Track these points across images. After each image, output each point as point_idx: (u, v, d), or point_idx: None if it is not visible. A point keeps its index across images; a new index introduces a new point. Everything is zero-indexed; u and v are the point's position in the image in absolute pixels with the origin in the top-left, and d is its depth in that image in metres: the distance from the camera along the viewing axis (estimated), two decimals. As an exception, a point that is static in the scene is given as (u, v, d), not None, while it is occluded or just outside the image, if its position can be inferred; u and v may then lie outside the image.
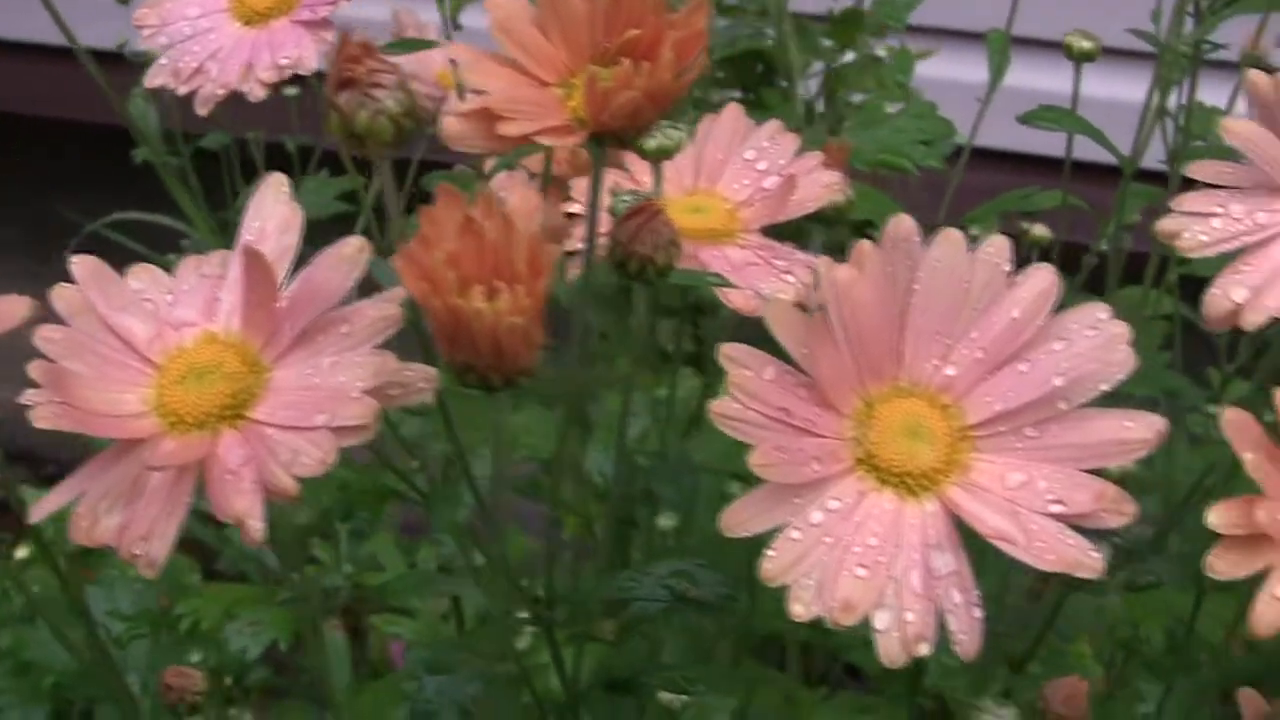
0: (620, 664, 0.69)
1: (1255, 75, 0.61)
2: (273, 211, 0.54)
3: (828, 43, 1.25)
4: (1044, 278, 0.51)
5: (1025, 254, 1.12)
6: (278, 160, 0.94)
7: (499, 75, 0.57)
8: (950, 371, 0.52)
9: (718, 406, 0.50)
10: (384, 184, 0.57)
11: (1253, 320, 0.60)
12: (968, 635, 0.49)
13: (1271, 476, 0.53)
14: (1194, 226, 0.61)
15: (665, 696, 0.70)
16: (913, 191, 1.04)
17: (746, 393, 0.50)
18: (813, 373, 0.51)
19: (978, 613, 0.50)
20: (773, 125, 0.72)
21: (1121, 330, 0.50)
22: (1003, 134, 0.92)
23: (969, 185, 1.03)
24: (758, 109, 1.07)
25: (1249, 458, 0.52)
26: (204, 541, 0.94)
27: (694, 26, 0.54)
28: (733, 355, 0.50)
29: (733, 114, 0.72)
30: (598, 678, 0.67)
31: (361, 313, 0.52)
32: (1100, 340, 0.50)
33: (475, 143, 0.57)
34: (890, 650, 0.49)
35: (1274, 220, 0.61)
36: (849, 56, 1.26)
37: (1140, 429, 0.50)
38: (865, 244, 0.51)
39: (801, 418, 0.51)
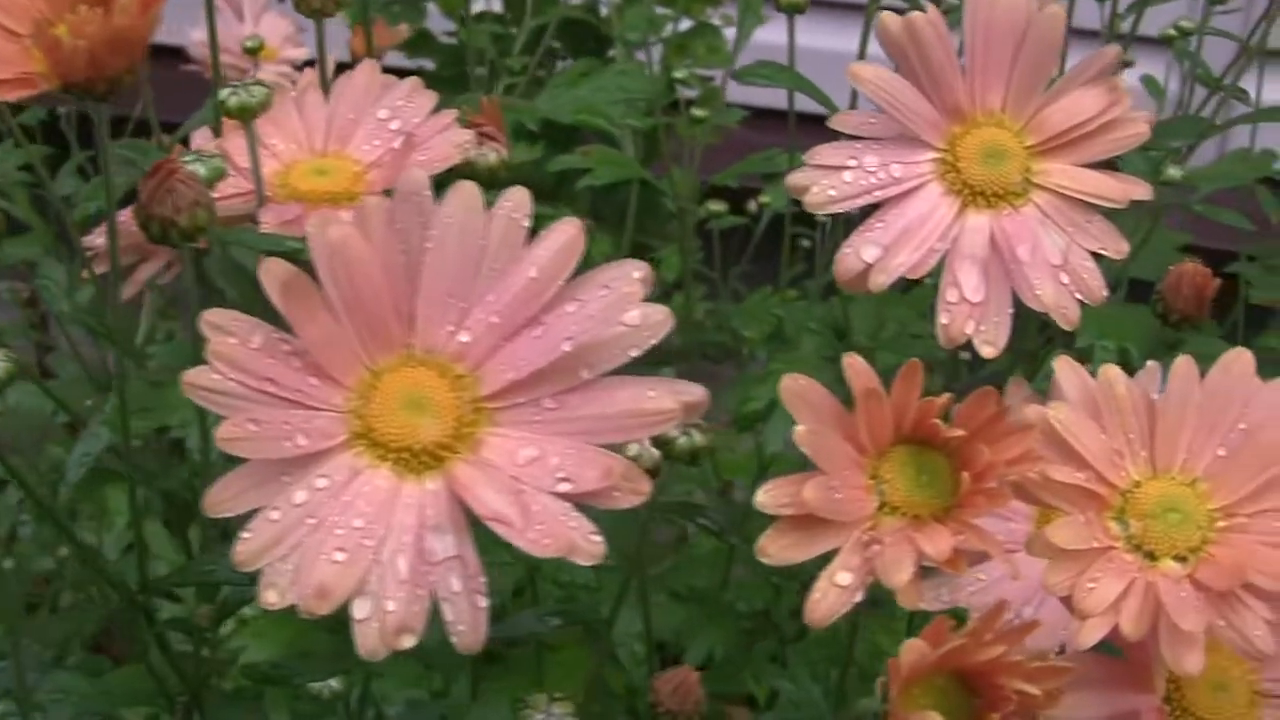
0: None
1: (886, 18, 0.57)
2: None
3: (664, 11, 1.21)
4: (565, 233, 0.47)
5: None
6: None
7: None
8: (465, 338, 0.47)
9: (190, 376, 0.45)
10: None
11: (879, 281, 0.56)
12: (467, 626, 0.45)
13: (830, 451, 0.49)
14: (823, 181, 0.58)
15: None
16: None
17: (227, 361, 0.45)
18: (304, 340, 0.46)
19: (481, 602, 0.45)
20: (410, 83, 0.67)
21: (633, 289, 0.46)
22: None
23: (749, 144, 0.99)
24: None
25: (800, 430, 0.49)
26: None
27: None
28: (215, 321, 0.46)
29: (366, 72, 0.67)
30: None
31: None
32: (611, 300, 0.46)
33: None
34: (368, 641, 0.44)
35: (910, 173, 0.57)
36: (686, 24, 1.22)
37: (663, 399, 0.46)
38: (369, 199, 0.47)
39: (291, 389, 0.46)
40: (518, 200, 0.47)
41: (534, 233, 0.47)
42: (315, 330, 0.46)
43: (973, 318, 0.55)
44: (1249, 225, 0.79)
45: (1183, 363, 0.51)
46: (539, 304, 0.46)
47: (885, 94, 0.56)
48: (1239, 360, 0.51)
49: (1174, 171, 0.68)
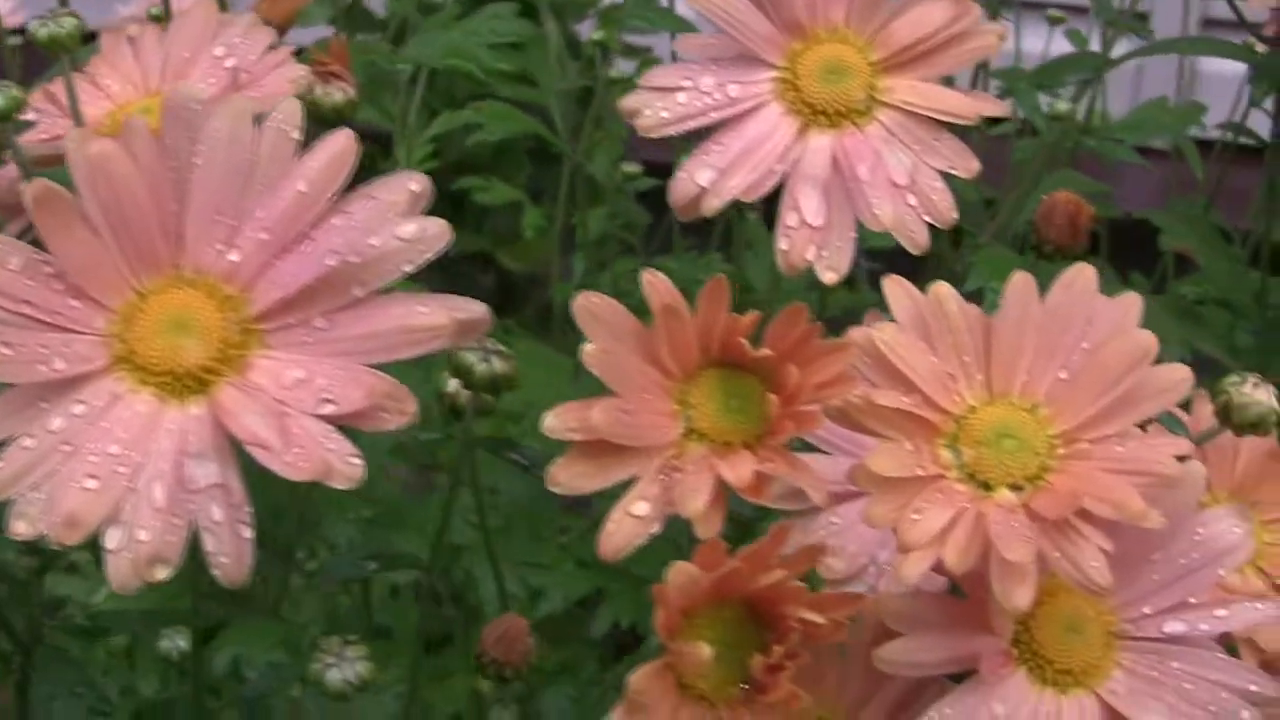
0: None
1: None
2: None
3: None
4: (335, 144, 0.44)
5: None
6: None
7: None
8: (235, 257, 0.44)
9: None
10: None
11: (712, 205, 0.53)
12: (230, 558, 0.42)
13: (624, 371, 0.46)
14: (656, 103, 0.55)
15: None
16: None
17: (-22, 284, 0.43)
18: (60, 259, 0.44)
19: (245, 532, 0.43)
20: (247, 19, 0.65)
21: (398, 198, 0.43)
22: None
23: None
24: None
25: (588, 349, 0.46)
26: None
27: None
28: (-31, 242, 0.44)
29: (202, 8, 0.65)
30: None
31: None
32: (378, 211, 0.43)
33: None
34: (119, 573, 0.42)
35: (748, 94, 0.54)
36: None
37: (435, 315, 0.43)
38: (133, 117, 0.44)
39: (49, 311, 0.44)
40: (288, 113, 0.45)
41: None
42: (73, 249, 0.44)
43: (814, 242, 0.52)
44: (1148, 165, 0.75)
45: (1019, 279, 0.48)
46: (308, 219, 0.44)
47: (720, 10, 0.53)
48: (1081, 277, 0.48)
49: (1063, 106, 0.65)
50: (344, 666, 0.47)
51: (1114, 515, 0.45)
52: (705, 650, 0.40)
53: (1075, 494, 0.46)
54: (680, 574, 0.40)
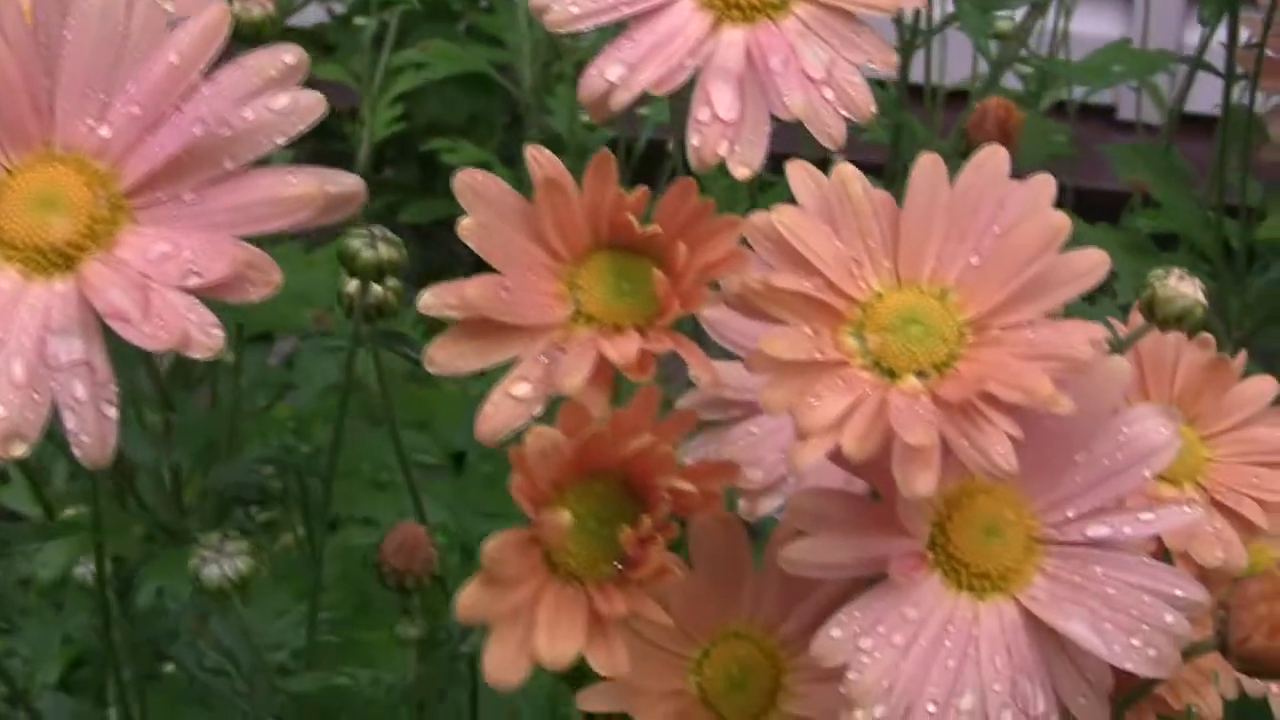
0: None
1: None
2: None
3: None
4: (210, 15, 0.43)
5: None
6: None
7: None
8: (105, 132, 0.43)
9: None
10: None
11: (620, 99, 0.51)
12: (91, 438, 0.41)
13: (503, 247, 0.44)
14: (566, -2, 0.53)
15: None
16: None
17: None
18: (-79, 133, 0.43)
19: (110, 411, 0.41)
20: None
21: (268, 67, 0.42)
22: None
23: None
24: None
25: (465, 222, 0.44)
26: None
27: None
28: None
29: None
30: None
31: None
32: (246, 81, 0.42)
33: None
34: (-24, 452, 0.40)
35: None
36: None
37: (304, 185, 0.42)
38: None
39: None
40: (161, -17, 0.43)
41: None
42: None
43: (726, 137, 0.50)
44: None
45: (927, 160, 0.46)
46: (179, 92, 0.43)
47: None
48: (992, 159, 0.46)
49: (1004, 24, 0.64)
50: (223, 562, 0.45)
51: (1022, 400, 0.43)
52: (565, 517, 0.38)
53: (981, 378, 0.44)
54: (540, 439, 0.38)
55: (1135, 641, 0.47)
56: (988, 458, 0.43)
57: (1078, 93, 0.95)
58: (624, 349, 0.42)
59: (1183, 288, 0.48)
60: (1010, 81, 0.80)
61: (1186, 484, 0.55)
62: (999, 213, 0.46)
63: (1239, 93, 0.73)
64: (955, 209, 0.46)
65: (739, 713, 0.52)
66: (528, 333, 0.44)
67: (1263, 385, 0.56)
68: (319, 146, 1.24)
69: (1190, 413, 0.56)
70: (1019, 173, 0.73)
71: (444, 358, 0.43)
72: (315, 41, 1.10)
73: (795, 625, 0.51)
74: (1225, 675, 0.59)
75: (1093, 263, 0.45)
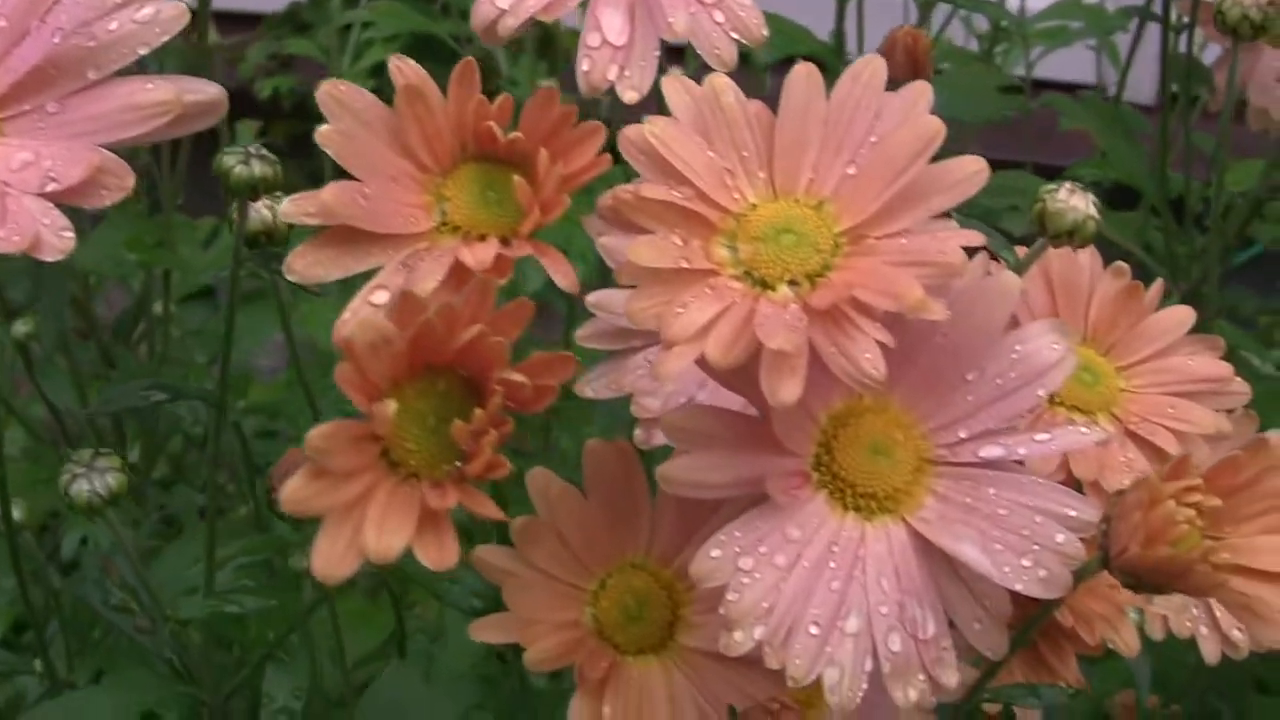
0: None
1: None
2: None
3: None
4: (72, -71, 0.43)
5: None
6: None
7: None
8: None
9: None
10: None
11: (508, 25, 0.51)
12: None
13: (363, 154, 0.44)
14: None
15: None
16: None
17: None
18: None
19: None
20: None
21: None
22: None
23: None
24: None
25: (323, 129, 0.44)
26: None
27: None
28: None
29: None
30: None
31: None
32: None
33: None
34: None
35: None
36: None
37: (160, 91, 0.42)
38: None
39: None
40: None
41: None
42: None
43: (615, 62, 0.50)
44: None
45: (800, 70, 0.45)
46: (44, 4, 0.43)
47: None
48: (868, 69, 0.46)
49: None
50: (93, 478, 0.45)
51: (891, 306, 0.43)
52: (391, 407, 0.38)
53: (849, 284, 0.43)
54: (368, 330, 0.38)
55: (1025, 562, 0.46)
56: (856, 365, 0.42)
57: (1061, 71, 0.94)
58: (480, 254, 0.42)
59: (1074, 201, 0.47)
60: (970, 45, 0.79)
61: (1101, 415, 0.54)
62: (876, 123, 0.45)
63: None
64: (831, 120, 0.45)
65: (636, 644, 0.51)
66: (392, 242, 0.43)
67: (1180, 315, 0.55)
68: (296, 128, 1.24)
69: (1106, 343, 0.55)
70: (966, 132, 0.71)
71: (302, 265, 0.43)
72: (291, 21, 1.10)
73: (692, 556, 0.50)
74: (1154, 620, 0.57)
75: (969, 170, 0.44)
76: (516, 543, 0.50)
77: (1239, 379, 0.53)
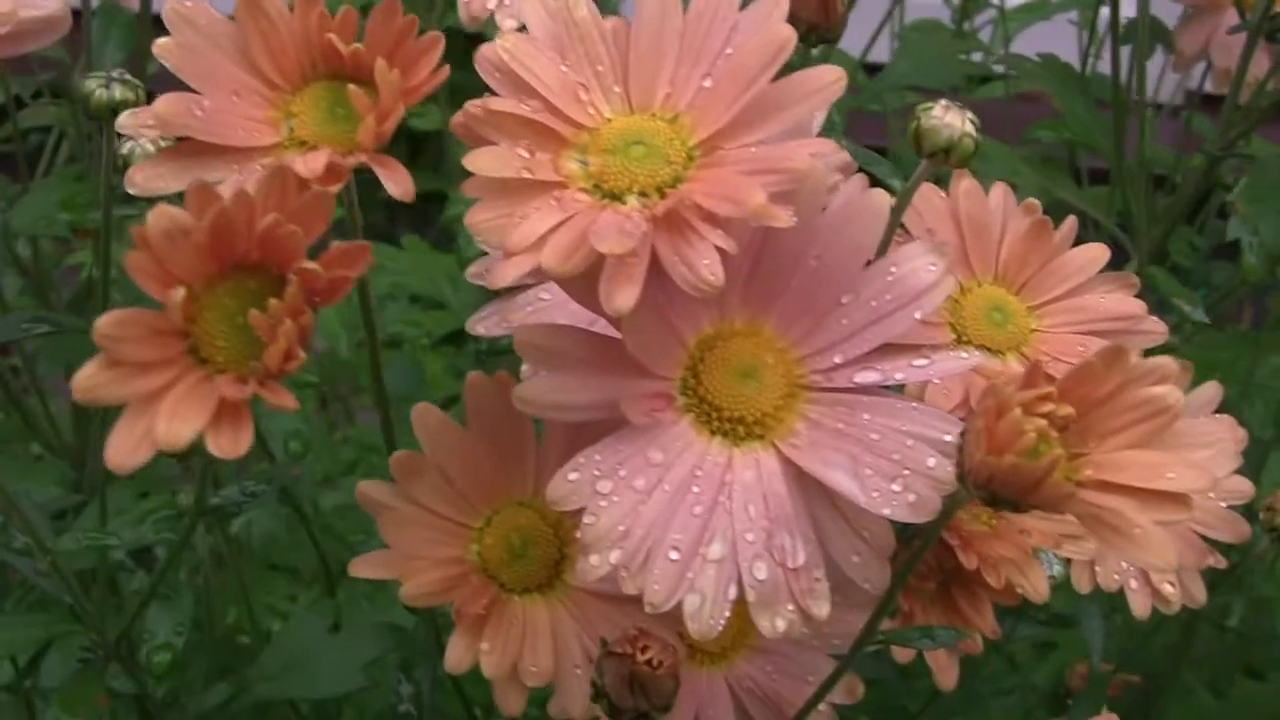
0: None
1: None
2: None
3: None
4: None
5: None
6: None
7: None
8: None
9: None
10: None
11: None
12: None
13: (201, 66, 0.44)
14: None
15: None
16: None
17: None
18: None
19: None
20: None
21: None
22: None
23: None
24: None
25: (161, 42, 0.44)
26: None
27: None
28: None
29: None
30: None
31: None
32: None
33: None
34: None
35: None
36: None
37: None
38: None
39: None
40: None
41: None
42: None
43: (496, -9, 0.50)
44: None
45: (654, -15, 0.45)
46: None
47: None
48: (721, -20, 0.45)
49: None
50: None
51: (732, 211, 0.42)
52: (179, 294, 0.37)
53: (690, 192, 0.42)
54: (161, 217, 0.37)
55: (895, 487, 0.44)
56: (694, 270, 0.41)
57: (1043, 46, 0.92)
58: (311, 163, 0.41)
59: (949, 118, 0.46)
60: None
61: (1011, 354, 0.52)
62: (732, 36, 0.44)
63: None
64: (688, 34, 0.45)
65: (521, 582, 0.50)
66: (235, 156, 0.43)
67: (1093, 253, 0.53)
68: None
69: (1017, 281, 0.53)
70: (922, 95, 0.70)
71: (143, 178, 0.43)
72: None
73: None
74: (1080, 573, 0.55)
75: (825, 79, 0.43)
76: (396, 476, 0.50)
77: (1153, 318, 0.51)
